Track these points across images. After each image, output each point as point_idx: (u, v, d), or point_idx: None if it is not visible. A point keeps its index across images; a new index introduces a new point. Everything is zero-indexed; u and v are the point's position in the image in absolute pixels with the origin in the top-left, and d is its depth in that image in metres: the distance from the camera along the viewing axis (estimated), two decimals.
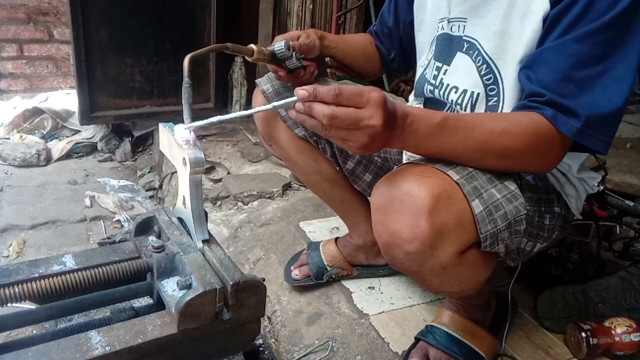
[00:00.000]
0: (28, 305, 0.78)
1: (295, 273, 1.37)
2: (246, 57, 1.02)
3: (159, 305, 0.82)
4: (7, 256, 1.73)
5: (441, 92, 1.05)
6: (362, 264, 1.37)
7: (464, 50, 1.00)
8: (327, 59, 1.19)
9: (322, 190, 1.34)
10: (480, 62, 0.96)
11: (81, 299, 0.80)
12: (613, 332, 1.14)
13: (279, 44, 1.02)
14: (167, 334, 0.73)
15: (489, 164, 0.84)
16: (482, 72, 0.96)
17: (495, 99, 0.95)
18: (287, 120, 1.20)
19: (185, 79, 0.84)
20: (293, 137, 1.22)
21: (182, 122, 0.83)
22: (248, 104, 2.79)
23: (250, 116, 0.96)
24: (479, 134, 0.81)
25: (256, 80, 1.20)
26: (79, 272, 0.80)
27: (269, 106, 0.78)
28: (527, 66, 0.87)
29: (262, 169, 2.22)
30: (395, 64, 1.29)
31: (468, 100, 0.99)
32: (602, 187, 1.55)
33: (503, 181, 0.86)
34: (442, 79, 1.05)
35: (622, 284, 1.23)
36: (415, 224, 0.77)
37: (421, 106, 1.15)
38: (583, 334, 1.12)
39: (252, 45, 1.00)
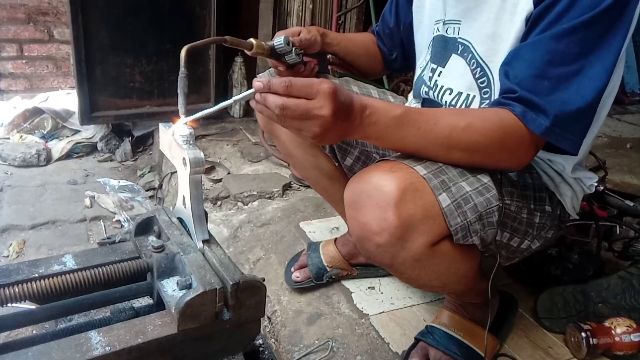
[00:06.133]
0: (28, 305, 0.78)
1: (296, 275, 1.37)
2: (245, 51, 1.02)
3: (159, 305, 0.82)
4: (7, 256, 1.73)
5: (435, 94, 1.05)
6: (361, 262, 1.37)
7: (458, 52, 1.00)
8: (329, 56, 1.19)
9: (321, 186, 1.33)
10: (475, 65, 0.96)
11: (81, 299, 0.79)
12: (613, 332, 1.14)
13: (278, 39, 1.03)
14: (167, 334, 0.73)
15: (455, 158, 0.84)
16: (477, 75, 0.96)
17: (488, 101, 0.95)
18: None
19: (182, 68, 0.85)
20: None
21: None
22: (248, 104, 2.79)
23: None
24: (441, 128, 0.81)
25: (257, 76, 1.20)
26: (79, 272, 0.79)
27: (230, 101, 0.82)
28: (507, 62, 0.87)
29: (262, 169, 2.22)
30: (397, 63, 1.30)
31: (463, 102, 0.99)
32: (602, 187, 1.55)
33: (476, 174, 0.86)
34: (436, 80, 1.05)
35: (622, 284, 1.23)
36: (383, 217, 0.78)
37: (419, 106, 1.16)
38: (583, 334, 1.12)
39: (252, 39, 1.01)
